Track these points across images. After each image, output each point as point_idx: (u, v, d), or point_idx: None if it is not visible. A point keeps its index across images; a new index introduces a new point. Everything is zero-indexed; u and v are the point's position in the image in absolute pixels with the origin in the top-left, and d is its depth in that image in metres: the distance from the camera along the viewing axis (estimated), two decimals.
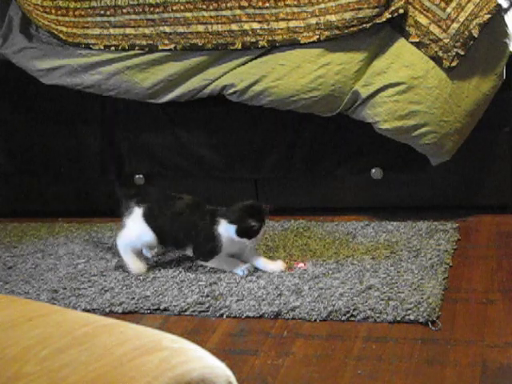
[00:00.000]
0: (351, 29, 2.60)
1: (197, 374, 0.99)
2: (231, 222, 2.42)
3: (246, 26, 2.71)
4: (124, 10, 2.83)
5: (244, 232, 2.41)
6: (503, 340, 1.96)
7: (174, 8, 2.77)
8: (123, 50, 2.84)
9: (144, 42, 2.82)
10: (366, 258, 2.48)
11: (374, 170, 2.84)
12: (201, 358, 1.04)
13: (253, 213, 2.43)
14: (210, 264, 2.51)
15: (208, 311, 2.25)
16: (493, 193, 2.79)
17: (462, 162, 2.75)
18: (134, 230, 2.54)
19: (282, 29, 2.68)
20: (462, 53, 2.54)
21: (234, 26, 2.72)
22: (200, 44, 2.75)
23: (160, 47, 2.80)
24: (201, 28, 2.75)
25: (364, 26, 2.58)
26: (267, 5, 2.69)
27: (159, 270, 2.56)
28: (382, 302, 2.17)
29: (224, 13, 2.72)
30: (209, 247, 2.48)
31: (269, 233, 2.78)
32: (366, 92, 2.62)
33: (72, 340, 1.04)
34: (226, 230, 2.43)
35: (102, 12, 2.85)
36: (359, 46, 2.63)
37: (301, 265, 2.48)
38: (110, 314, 2.29)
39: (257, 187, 3.01)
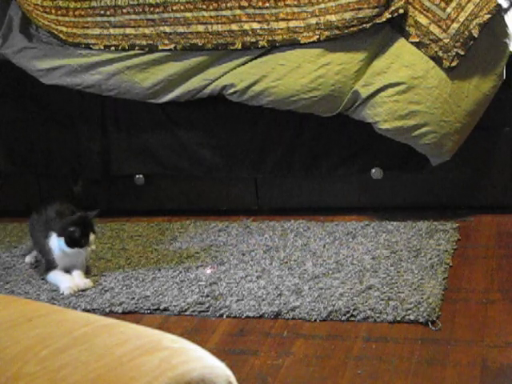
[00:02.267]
0: (351, 29, 2.60)
1: (197, 374, 0.99)
2: (58, 234, 2.45)
3: (246, 26, 2.71)
4: (124, 10, 2.83)
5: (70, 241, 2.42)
6: (503, 340, 1.96)
7: (174, 8, 2.77)
8: (123, 49, 2.84)
9: (144, 42, 2.82)
10: (365, 258, 2.48)
11: (374, 170, 2.84)
12: (201, 358, 1.04)
13: (76, 221, 2.44)
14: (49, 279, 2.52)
15: (208, 311, 2.25)
16: (493, 193, 2.79)
17: (462, 162, 2.75)
18: None
19: (282, 29, 2.68)
20: (462, 53, 2.54)
21: (234, 26, 2.72)
22: (200, 44, 2.75)
23: (160, 47, 2.80)
24: (201, 28, 2.75)
25: (364, 26, 2.58)
26: (267, 5, 2.69)
27: (159, 270, 2.56)
28: (382, 302, 2.17)
29: (224, 13, 2.72)
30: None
31: (269, 233, 2.78)
32: (366, 92, 2.62)
33: (72, 340, 1.04)
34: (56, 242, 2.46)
35: (102, 12, 2.85)
36: (359, 46, 2.62)
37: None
38: (110, 314, 2.29)
39: (257, 187, 3.01)
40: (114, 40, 2.85)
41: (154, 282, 2.46)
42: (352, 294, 2.23)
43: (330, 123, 2.79)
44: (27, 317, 1.12)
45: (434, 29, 2.56)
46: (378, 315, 2.11)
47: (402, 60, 2.60)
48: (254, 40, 2.70)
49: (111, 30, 2.86)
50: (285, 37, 2.67)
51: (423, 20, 2.58)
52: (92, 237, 2.45)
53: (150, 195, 3.11)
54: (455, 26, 2.54)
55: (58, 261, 2.47)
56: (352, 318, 2.12)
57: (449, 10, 2.55)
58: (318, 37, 2.63)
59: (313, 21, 2.64)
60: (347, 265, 2.44)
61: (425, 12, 2.58)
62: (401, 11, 2.56)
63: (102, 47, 2.86)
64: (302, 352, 2.00)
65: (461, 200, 2.84)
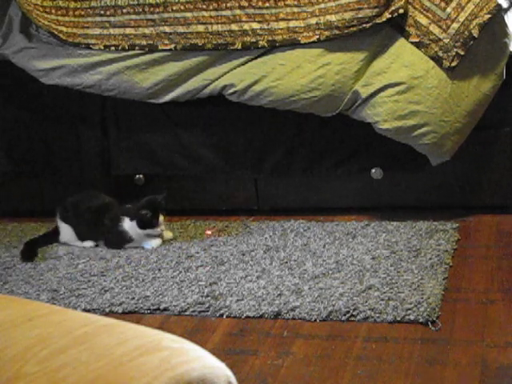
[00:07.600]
0: (351, 29, 2.60)
1: (197, 374, 0.99)
2: (131, 218, 2.73)
3: (246, 26, 2.71)
4: (124, 10, 2.83)
5: (142, 223, 2.69)
6: (503, 340, 1.96)
7: (174, 8, 2.77)
8: (123, 49, 2.84)
9: (144, 42, 2.82)
10: (365, 258, 2.48)
11: (374, 170, 2.84)
12: (201, 358, 1.04)
13: (146, 205, 2.71)
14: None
15: (208, 311, 2.25)
16: (493, 193, 2.79)
17: (462, 162, 2.75)
18: None
19: (281, 29, 2.68)
20: (462, 53, 2.54)
21: (234, 26, 2.72)
22: (200, 44, 2.75)
23: (160, 47, 2.80)
24: (201, 28, 2.75)
25: (364, 26, 2.58)
26: (267, 5, 2.69)
27: (159, 270, 2.56)
28: (382, 302, 2.17)
29: (224, 13, 2.72)
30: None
31: (269, 233, 2.78)
32: (366, 92, 2.62)
33: (72, 340, 1.04)
34: (130, 226, 2.73)
35: (102, 12, 2.85)
36: (359, 46, 2.63)
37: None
38: (110, 314, 2.29)
39: (257, 187, 3.01)
40: (114, 40, 2.85)
41: (153, 282, 2.46)
42: (352, 293, 2.23)
43: (329, 123, 2.79)
44: (27, 317, 1.12)
45: (434, 29, 2.56)
46: (378, 315, 2.11)
47: (402, 60, 2.60)
48: (254, 40, 2.70)
49: (111, 30, 2.86)
50: (285, 37, 2.67)
51: (423, 20, 2.58)
52: (161, 218, 2.72)
53: (150, 195, 3.11)
54: (455, 25, 2.54)
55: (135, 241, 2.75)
56: (352, 318, 2.12)
57: (449, 9, 2.55)
58: (317, 37, 2.63)
59: (313, 21, 2.64)
60: (347, 265, 2.44)
61: (425, 12, 2.58)
62: (401, 11, 2.56)
63: (102, 47, 2.86)
64: (302, 352, 2.00)
65: (461, 200, 2.84)
